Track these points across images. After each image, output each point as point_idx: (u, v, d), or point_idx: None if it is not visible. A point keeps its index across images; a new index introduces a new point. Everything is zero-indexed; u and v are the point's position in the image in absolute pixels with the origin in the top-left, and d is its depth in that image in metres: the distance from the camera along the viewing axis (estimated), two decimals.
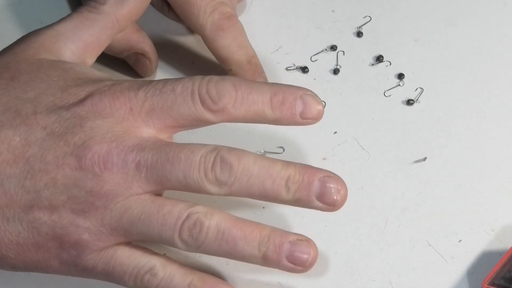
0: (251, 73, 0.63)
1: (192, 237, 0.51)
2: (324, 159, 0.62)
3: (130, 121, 0.52)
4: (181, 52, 0.67)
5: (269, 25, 0.68)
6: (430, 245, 0.58)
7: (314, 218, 0.59)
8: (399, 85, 0.65)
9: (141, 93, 0.52)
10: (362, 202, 0.60)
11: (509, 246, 0.57)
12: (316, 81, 0.66)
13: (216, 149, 0.51)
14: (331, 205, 0.52)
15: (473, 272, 0.57)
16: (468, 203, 0.60)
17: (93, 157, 0.50)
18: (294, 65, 0.66)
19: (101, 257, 0.52)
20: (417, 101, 0.65)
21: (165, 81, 0.53)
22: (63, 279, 0.55)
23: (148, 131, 0.52)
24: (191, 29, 0.65)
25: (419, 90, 0.65)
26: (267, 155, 0.62)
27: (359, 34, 0.68)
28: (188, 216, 0.51)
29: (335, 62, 0.67)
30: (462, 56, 0.67)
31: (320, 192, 0.52)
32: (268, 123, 0.54)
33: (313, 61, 0.67)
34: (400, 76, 0.66)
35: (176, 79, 0.52)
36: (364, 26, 0.68)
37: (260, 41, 0.67)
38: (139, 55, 0.64)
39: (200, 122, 0.52)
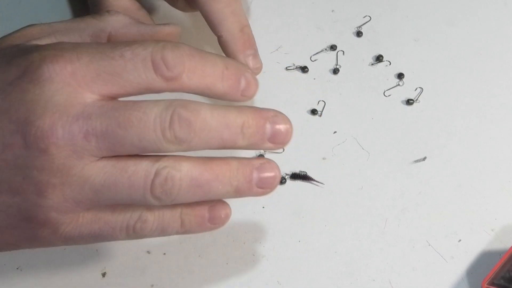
0: (242, 42, 0.61)
1: (166, 193, 0.49)
2: (324, 158, 0.62)
3: (72, 86, 0.48)
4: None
5: (269, 25, 0.68)
6: (430, 245, 0.58)
7: (314, 218, 0.60)
8: (398, 85, 0.65)
9: (85, 56, 0.48)
10: (362, 202, 0.60)
11: (508, 246, 0.57)
12: (316, 81, 0.66)
13: (171, 105, 0.48)
14: (281, 144, 0.52)
15: (472, 272, 0.57)
16: (468, 203, 0.60)
17: (36, 132, 0.47)
18: (294, 64, 0.66)
19: (81, 224, 0.50)
20: (417, 101, 0.65)
21: (113, 44, 0.49)
22: (64, 279, 0.55)
23: (92, 96, 0.48)
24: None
25: (418, 90, 0.65)
26: (266, 155, 0.62)
27: (359, 34, 0.68)
28: (156, 173, 0.48)
29: (334, 62, 0.67)
30: (462, 56, 0.67)
31: (272, 133, 0.51)
32: (214, 97, 0.52)
33: (313, 61, 0.67)
34: (400, 76, 0.66)
35: (125, 43, 0.49)
36: (364, 26, 0.68)
37: (260, 41, 0.67)
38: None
39: (149, 91, 0.49)
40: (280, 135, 0.52)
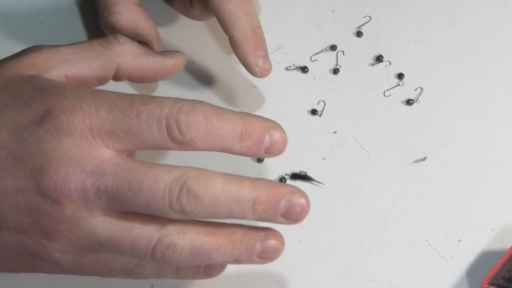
0: (253, 43, 0.61)
1: (165, 258, 0.50)
2: (324, 159, 0.62)
3: (89, 141, 0.49)
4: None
5: (269, 25, 0.68)
6: (430, 245, 0.58)
7: (314, 218, 0.59)
8: (398, 85, 0.65)
9: (103, 112, 0.49)
10: (362, 202, 0.60)
11: (509, 246, 0.57)
12: (316, 81, 0.66)
13: (183, 177, 0.48)
14: (295, 221, 0.52)
15: (473, 272, 0.57)
16: (468, 203, 0.60)
17: (50, 183, 0.48)
18: (294, 65, 0.66)
19: (82, 263, 0.51)
20: (417, 101, 0.65)
21: (131, 101, 0.50)
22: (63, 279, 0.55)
23: (107, 152, 0.49)
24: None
25: (419, 90, 0.65)
26: (265, 160, 0.62)
27: (359, 34, 0.68)
28: (159, 240, 0.49)
29: (335, 62, 0.67)
30: (462, 56, 0.67)
31: (286, 210, 0.51)
32: (232, 154, 0.52)
33: (313, 61, 0.67)
34: (400, 76, 0.66)
35: (143, 100, 0.50)
36: (364, 26, 0.68)
37: None
38: (144, 44, 0.62)
39: (162, 149, 0.50)
40: (295, 213, 0.51)
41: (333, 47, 0.67)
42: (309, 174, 0.61)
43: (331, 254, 0.58)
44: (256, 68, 0.61)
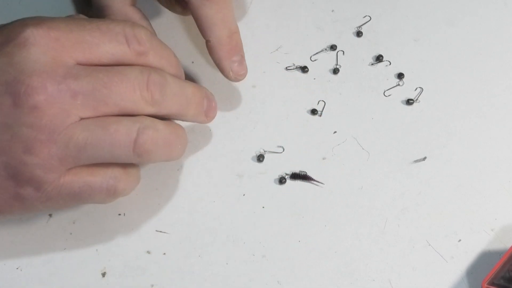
0: (228, 49, 0.62)
1: (147, 151, 0.54)
2: (324, 158, 0.62)
3: (57, 50, 0.52)
4: (181, 51, 0.67)
5: (269, 25, 0.68)
6: (430, 245, 0.58)
7: (314, 218, 0.60)
8: (398, 84, 0.65)
9: (64, 25, 0.53)
10: (362, 202, 0.60)
11: (508, 246, 0.57)
12: (316, 81, 0.66)
13: (144, 71, 0.54)
14: (210, 118, 0.60)
15: (472, 272, 0.57)
16: (468, 203, 0.60)
17: (26, 90, 0.51)
18: (294, 64, 0.66)
19: (62, 183, 0.53)
20: (417, 101, 0.65)
21: (88, 19, 0.55)
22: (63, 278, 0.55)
23: (74, 61, 0.53)
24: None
25: (418, 90, 0.65)
26: (266, 155, 0.62)
27: (359, 34, 0.68)
28: (139, 133, 0.53)
29: (334, 62, 0.67)
30: (462, 56, 0.67)
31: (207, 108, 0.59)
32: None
33: (312, 61, 0.67)
34: (400, 76, 0.66)
35: (99, 19, 0.55)
36: (364, 26, 0.68)
37: (260, 41, 0.67)
38: None
39: (120, 63, 0.54)
40: (211, 110, 0.60)
41: (333, 47, 0.67)
42: (309, 174, 0.61)
43: (331, 254, 0.58)
44: (231, 72, 0.62)
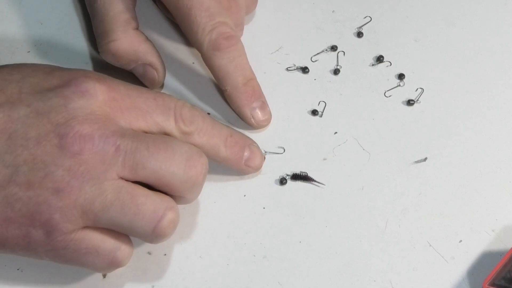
0: (245, 96, 0.62)
1: (166, 234, 0.53)
2: (324, 159, 0.62)
3: (112, 108, 0.53)
4: (181, 52, 0.67)
5: (269, 25, 0.68)
6: (430, 246, 0.58)
7: (315, 219, 0.60)
8: (399, 85, 0.65)
9: (123, 89, 0.55)
10: (362, 202, 0.60)
11: (509, 247, 0.57)
12: (317, 82, 0.66)
13: (192, 149, 0.55)
14: (254, 168, 0.60)
15: (473, 272, 0.57)
16: (468, 203, 0.60)
17: (75, 136, 0.52)
18: (295, 65, 0.66)
19: (71, 239, 0.52)
20: (418, 102, 0.65)
21: (146, 88, 0.57)
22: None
23: (124, 123, 0.54)
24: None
25: (419, 90, 0.65)
26: (267, 155, 0.62)
27: (359, 34, 0.68)
28: (163, 215, 0.53)
29: (335, 63, 0.67)
30: (463, 56, 0.67)
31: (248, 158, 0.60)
32: (218, 161, 0.59)
33: (313, 62, 0.67)
34: (401, 76, 0.66)
35: (155, 91, 0.56)
36: (365, 26, 0.68)
37: (260, 42, 0.67)
38: (147, 66, 0.63)
39: (166, 133, 0.55)
40: (255, 161, 0.60)
41: (333, 48, 0.67)
42: (310, 174, 0.61)
43: (332, 254, 0.58)
44: (252, 120, 0.62)
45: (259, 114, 0.62)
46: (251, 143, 0.60)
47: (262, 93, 0.63)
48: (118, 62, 0.63)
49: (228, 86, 0.62)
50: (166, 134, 0.55)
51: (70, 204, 0.51)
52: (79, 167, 0.51)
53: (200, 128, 0.57)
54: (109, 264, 0.54)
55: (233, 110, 0.63)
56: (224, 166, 0.60)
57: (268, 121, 0.63)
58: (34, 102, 0.53)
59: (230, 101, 0.62)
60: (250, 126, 0.63)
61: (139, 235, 0.53)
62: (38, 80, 0.54)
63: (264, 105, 0.63)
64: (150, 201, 0.53)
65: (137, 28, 0.63)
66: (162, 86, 0.65)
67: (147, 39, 0.64)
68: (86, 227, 0.52)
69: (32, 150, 0.52)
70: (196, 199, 0.59)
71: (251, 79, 0.62)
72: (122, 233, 0.54)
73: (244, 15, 0.65)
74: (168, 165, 0.53)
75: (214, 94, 0.64)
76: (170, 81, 0.65)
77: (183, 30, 0.63)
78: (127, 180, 0.53)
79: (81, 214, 0.52)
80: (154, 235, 0.53)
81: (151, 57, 0.63)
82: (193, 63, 0.67)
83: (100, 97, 0.53)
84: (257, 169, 0.60)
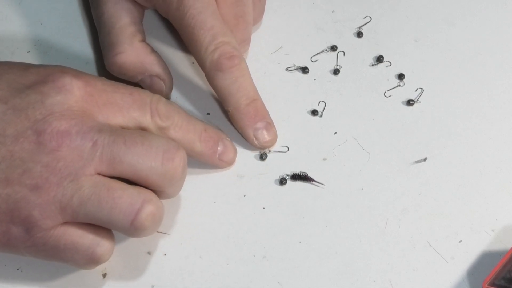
0: (248, 117, 0.61)
1: (144, 228, 0.53)
2: (324, 159, 0.62)
3: (89, 104, 0.54)
4: (181, 53, 0.67)
5: (269, 25, 0.68)
6: (430, 246, 0.58)
7: (315, 219, 0.60)
8: (399, 85, 0.65)
9: (100, 84, 0.55)
10: (362, 202, 0.60)
11: (509, 247, 0.57)
12: (316, 82, 0.66)
13: (176, 145, 0.55)
14: (226, 163, 0.61)
15: (473, 272, 0.57)
16: (468, 203, 0.60)
17: (52, 132, 0.52)
18: (295, 65, 0.66)
19: (51, 235, 0.52)
20: (418, 102, 0.65)
21: (123, 83, 0.57)
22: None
23: (101, 118, 0.54)
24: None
25: (419, 90, 0.65)
26: (271, 154, 0.62)
27: (359, 34, 0.68)
28: (142, 206, 0.53)
29: (335, 63, 0.67)
30: (462, 56, 0.67)
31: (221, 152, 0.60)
32: (193, 156, 0.59)
33: (313, 62, 0.67)
34: (401, 76, 0.66)
35: (131, 87, 0.57)
36: (364, 26, 0.68)
37: (260, 42, 0.67)
38: (154, 77, 0.63)
39: (142, 127, 0.56)
40: (228, 155, 0.61)
41: (333, 48, 0.67)
42: (310, 174, 0.61)
43: (332, 254, 0.58)
44: (255, 141, 0.62)
45: (264, 134, 0.62)
46: (224, 138, 0.61)
47: (267, 113, 0.62)
48: (125, 74, 0.62)
49: (230, 107, 0.61)
50: (143, 129, 0.56)
51: (49, 200, 0.52)
52: (57, 163, 0.52)
53: (175, 123, 0.57)
54: (89, 260, 0.54)
55: (237, 130, 0.63)
56: (198, 161, 0.60)
57: (272, 142, 0.62)
58: (11, 99, 0.53)
59: (233, 121, 0.62)
60: (254, 146, 0.62)
61: (118, 228, 0.53)
62: (14, 77, 0.54)
63: (269, 126, 0.62)
64: (126, 194, 0.53)
65: (143, 40, 0.63)
66: (169, 97, 0.65)
67: (153, 50, 0.63)
68: (65, 223, 0.53)
69: (10, 147, 0.52)
70: (196, 200, 0.59)
71: (255, 100, 0.62)
72: (103, 229, 0.54)
73: (251, 30, 0.65)
74: (145, 158, 0.53)
75: (214, 94, 0.64)
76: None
77: (187, 48, 0.62)
78: (104, 176, 0.53)
79: (60, 210, 0.52)
80: (133, 228, 0.53)
81: (158, 69, 0.63)
82: (193, 63, 0.67)
83: (77, 92, 0.53)
84: (230, 163, 0.61)
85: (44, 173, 0.52)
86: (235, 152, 0.61)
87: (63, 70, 0.54)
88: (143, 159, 0.53)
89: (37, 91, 0.53)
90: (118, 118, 0.55)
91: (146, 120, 0.56)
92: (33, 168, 0.52)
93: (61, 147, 0.52)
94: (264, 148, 0.62)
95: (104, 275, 0.57)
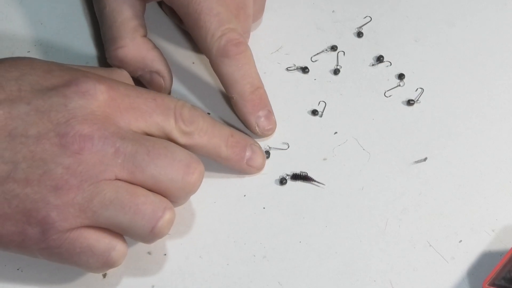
0: (252, 105, 0.62)
1: (162, 234, 0.53)
2: (324, 159, 0.62)
3: (111, 108, 0.54)
4: (182, 52, 0.67)
5: (269, 25, 0.68)
6: (430, 246, 0.58)
7: (315, 219, 0.60)
8: (399, 85, 0.65)
9: (123, 89, 0.55)
10: (362, 202, 0.60)
11: (509, 247, 0.57)
12: (317, 82, 0.66)
13: (191, 156, 0.55)
14: (255, 169, 0.61)
15: (473, 272, 0.57)
16: (468, 203, 0.60)
17: (75, 135, 0.52)
18: (295, 65, 0.66)
19: (66, 238, 0.52)
20: (418, 102, 0.65)
21: (146, 89, 0.57)
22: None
23: (123, 123, 0.54)
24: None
25: (419, 90, 0.65)
26: (271, 154, 0.62)
27: (359, 34, 0.68)
28: (162, 216, 0.53)
29: (335, 63, 0.67)
30: (463, 56, 0.67)
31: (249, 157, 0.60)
32: (219, 161, 0.59)
33: (313, 62, 0.67)
34: (401, 76, 0.66)
35: (154, 92, 0.57)
36: (365, 26, 0.68)
37: (260, 42, 0.67)
38: (154, 73, 0.63)
39: (166, 137, 0.56)
40: (256, 161, 0.61)
41: (333, 48, 0.67)
42: (310, 174, 0.61)
43: (332, 254, 0.58)
44: (257, 128, 0.62)
45: (264, 123, 0.62)
46: (253, 143, 0.60)
47: (269, 102, 0.62)
48: (125, 69, 0.62)
49: (235, 94, 0.61)
50: (166, 134, 0.55)
51: (68, 202, 0.51)
52: (78, 166, 0.52)
53: (200, 128, 0.57)
54: (103, 264, 0.54)
55: (238, 117, 0.63)
56: (224, 166, 0.60)
57: (273, 130, 0.63)
58: (34, 100, 0.53)
59: (236, 108, 0.62)
60: (254, 134, 0.62)
61: (137, 234, 0.53)
62: (37, 78, 0.54)
63: (269, 114, 0.62)
64: (149, 201, 0.53)
65: (145, 36, 0.63)
66: (169, 93, 0.65)
67: (155, 46, 0.63)
68: (82, 226, 0.52)
69: (31, 148, 0.52)
70: (196, 200, 0.59)
71: (259, 88, 0.62)
72: (117, 233, 0.54)
73: (251, 24, 0.65)
74: (167, 171, 0.53)
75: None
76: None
77: (192, 36, 0.62)
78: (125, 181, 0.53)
79: (78, 213, 0.52)
80: (152, 234, 0.53)
81: (158, 65, 0.63)
82: (193, 63, 0.67)
83: (100, 97, 0.53)
84: (259, 169, 0.61)
85: (64, 175, 0.51)
86: (264, 157, 0.61)
87: (86, 74, 0.54)
88: (165, 171, 0.53)
89: (60, 94, 0.53)
90: (141, 123, 0.55)
91: (170, 125, 0.55)
92: (54, 169, 0.51)
93: (83, 150, 0.52)
94: (265, 135, 0.62)
95: (104, 275, 0.57)
